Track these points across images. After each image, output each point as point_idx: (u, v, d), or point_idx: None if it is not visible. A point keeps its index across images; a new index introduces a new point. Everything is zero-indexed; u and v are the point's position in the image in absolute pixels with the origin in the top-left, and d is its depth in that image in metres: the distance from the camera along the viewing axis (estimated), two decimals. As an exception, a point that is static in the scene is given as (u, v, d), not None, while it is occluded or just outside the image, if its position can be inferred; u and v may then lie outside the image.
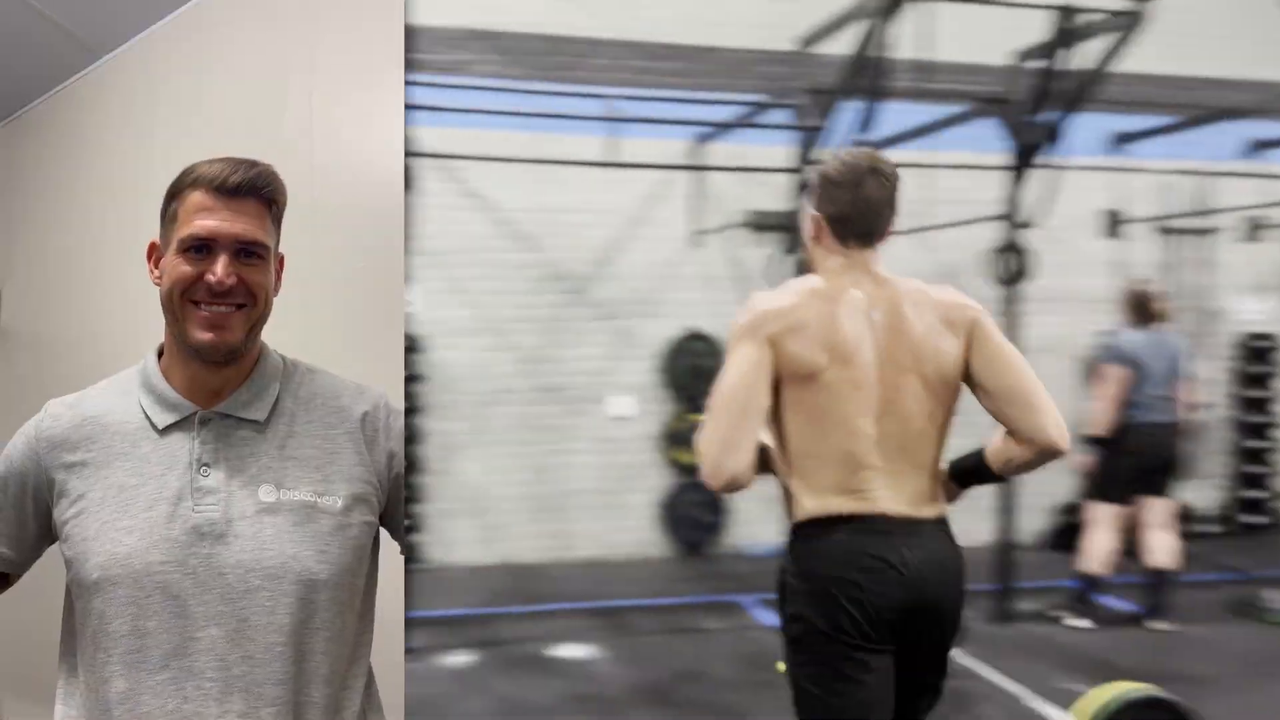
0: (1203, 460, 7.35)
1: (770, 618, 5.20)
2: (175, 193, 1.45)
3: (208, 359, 1.45)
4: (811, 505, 1.96)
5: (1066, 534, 6.17)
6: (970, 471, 2.07)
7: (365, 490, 1.51)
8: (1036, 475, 2.13)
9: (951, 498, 2.07)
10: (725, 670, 4.47)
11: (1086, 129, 6.96)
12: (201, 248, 1.40)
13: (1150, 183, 7.06)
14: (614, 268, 6.52)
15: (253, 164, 1.45)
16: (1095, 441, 5.06)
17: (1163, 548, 4.95)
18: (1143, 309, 4.99)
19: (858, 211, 2.00)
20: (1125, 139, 7.10)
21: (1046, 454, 1.95)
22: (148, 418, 1.47)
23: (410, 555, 5.95)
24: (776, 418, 1.98)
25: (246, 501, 1.43)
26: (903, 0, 4.19)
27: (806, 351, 1.92)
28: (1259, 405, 7.45)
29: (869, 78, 4.38)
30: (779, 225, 5.01)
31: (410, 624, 4.65)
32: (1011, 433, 1.96)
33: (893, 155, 2.11)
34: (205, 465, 1.44)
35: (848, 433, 1.93)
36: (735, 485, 1.92)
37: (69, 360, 4.11)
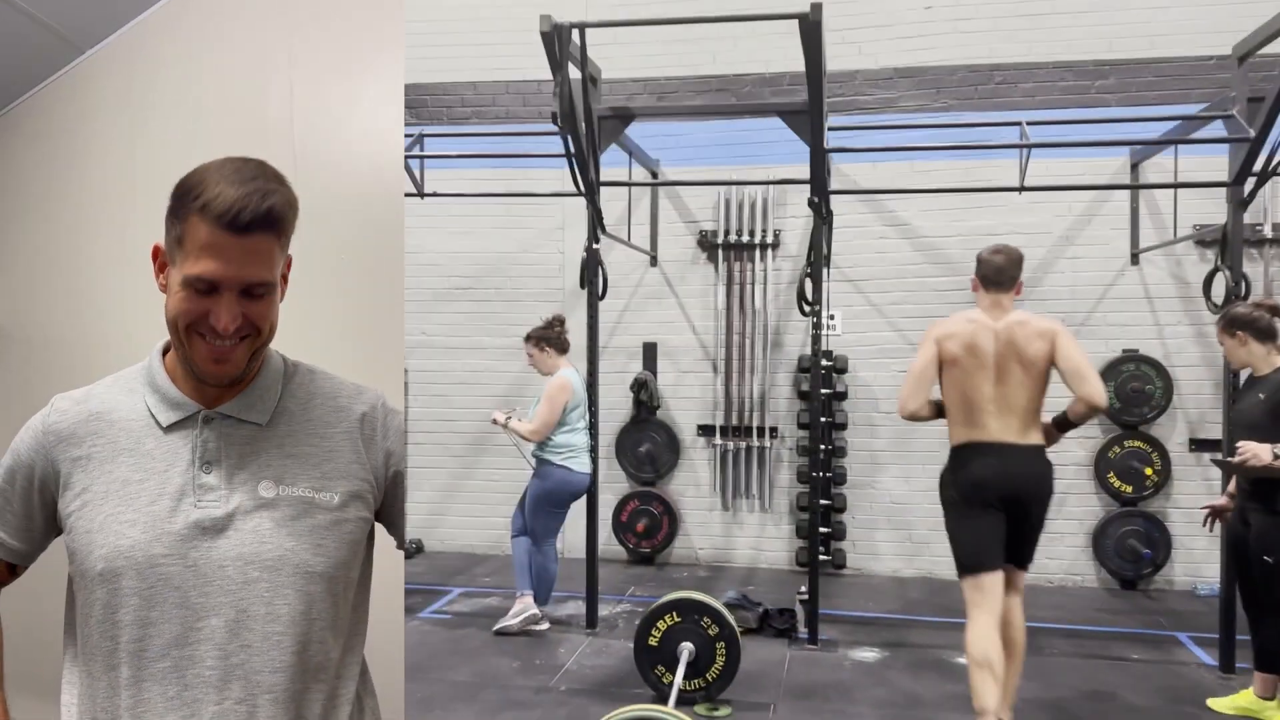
0: None
1: (1203, 654, 4.90)
2: (182, 209, 1.41)
3: (210, 383, 1.50)
4: (957, 435, 3.63)
5: None
6: (1060, 422, 3.61)
7: (361, 487, 1.57)
8: None
9: (1051, 439, 3.66)
10: (1132, 693, 4.36)
11: None
12: (207, 289, 1.40)
13: None
14: (1041, 288, 6.47)
15: (264, 194, 1.39)
16: None
17: None
18: None
19: (993, 273, 3.68)
20: None
21: (1093, 408, 3.49)
22: (152, 415, 1.51)
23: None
24: (942, 386, 3.64)
25: (247, 497, 1.47)
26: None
27: (954, 348, 3.58)
28: None
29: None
30: (1226, 240, 4.70)
31: (823, 619, 5.15)
32: (1075, 396, 3.49)
33: None
34: (207, 463, 1.48)
35: (974, 394, 3.54)
36: (914, 417, 3.72)
37: (57, 355, 4.19)
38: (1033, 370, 3.50)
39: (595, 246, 5.23)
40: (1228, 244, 4.79)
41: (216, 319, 1.39)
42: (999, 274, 3.66)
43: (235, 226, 1.36)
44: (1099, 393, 3.42)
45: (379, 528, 1.68)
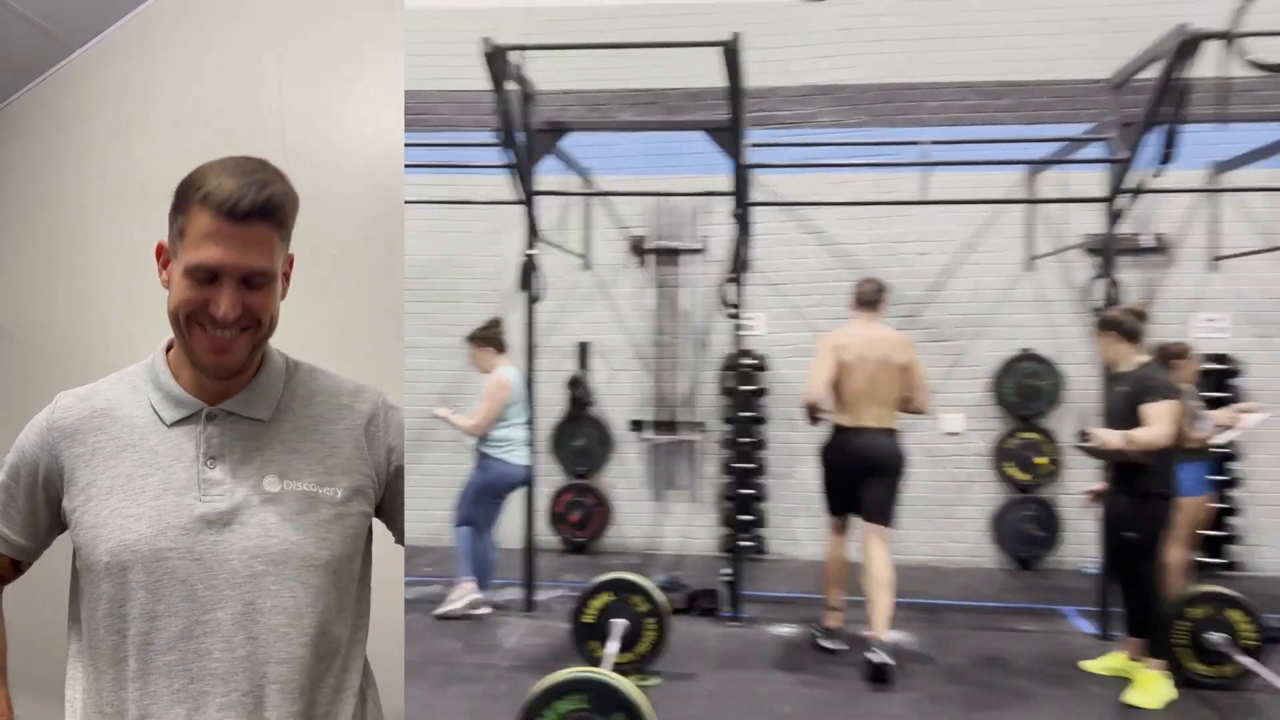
0: None
1: (1085, 625, 5.43)
2: (184, 202, 1.45)
3: (211, 376, 1.52)
4: (837, 419, 4.84)
5: None
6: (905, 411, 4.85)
7: (363, 483, 1.59)
8: None
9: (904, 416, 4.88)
10: (1020, 659, 4.84)
11: None
12: (208, 278, 1.42)
13: None
14: (947, 292, 6.97)
15: (263, 184, 1.43)
16: None
17: None
18: None
19: (866, 297, 4.92)
20: None
21: (920, 410, 4.91)
22: (156, 412, 1.53)
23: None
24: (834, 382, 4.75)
25: (252, 492, 1.49)
26: (1200, 40, 4.36)
27: (844, 355, 4.73)
28: None
29: (1171, 109, 4.57)
30: (1108, 249, 5.21)
31: (746, 599, 5.55)
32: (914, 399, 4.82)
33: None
34: (211, 459, 1.50)
35: (854, 389, 4.71)
36: (815, 406, 4.71)
37: (56, 355, 4.21)
38: (895, 374, 4.76)
39: (532, 252, 5.54)
40: (1104, 253, 5.31)
41: (216, 307, 1.41)
42: (869, 298, 4.96)
43: (234, 215, 1.39)
44: (928, 404, 5.02)
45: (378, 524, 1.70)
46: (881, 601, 4.62)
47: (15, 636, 1.76)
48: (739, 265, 5.56)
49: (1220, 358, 6.61)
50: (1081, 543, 6.78)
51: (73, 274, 4.18)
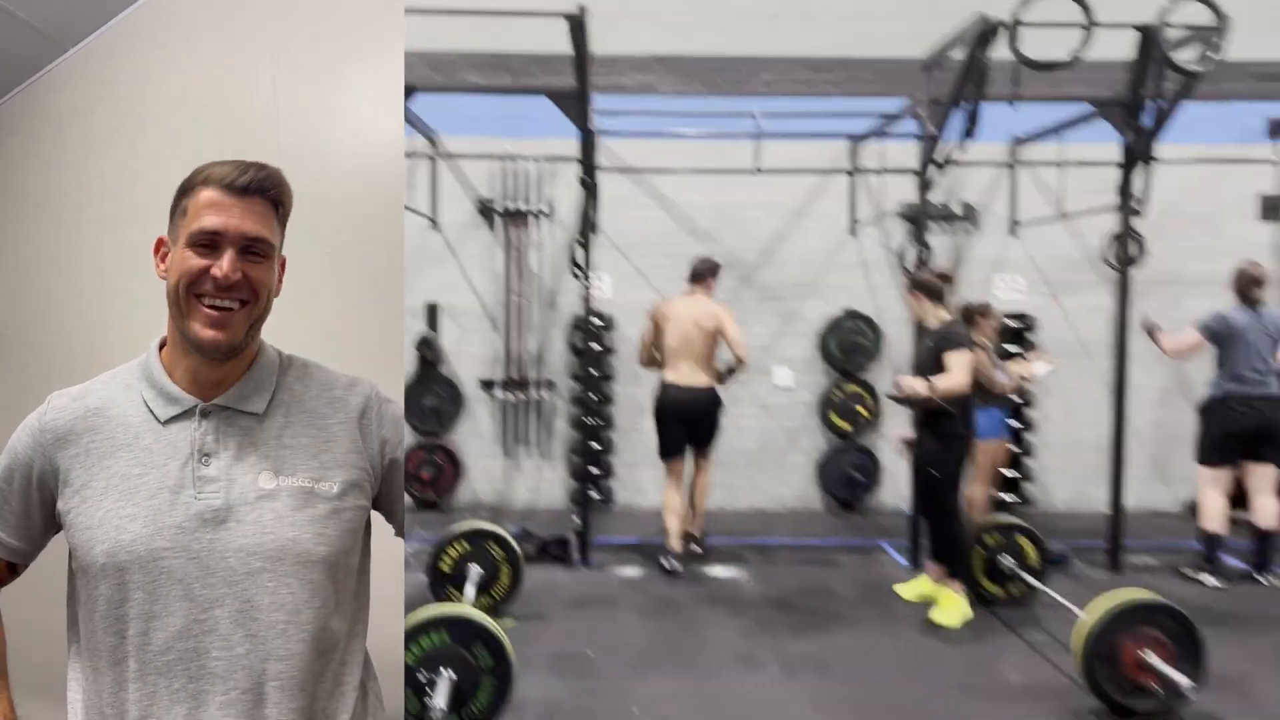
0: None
1: (899, 557, 5.99)
2: (185, 190, 1.49)
3: (209, 355, 1.49)
4: (664, 376, 5.68)
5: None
6: (725, 373, 5.75)
7: (359, 476, 1.58)
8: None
9: (722, 380, 5.73)
10: (842, 588, 5.35)
11: (1248, 116, 7.23)
12: (209, 243, 1.44)
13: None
14: (778, 255, 7.41)
15: (261, 166, 1.49)
16: (1200, 411, 5.50)
17: (1264, 510, 5.32)
18: (1244, 287, 5.36)
19: (694, 273, 5.77)
20: (1283, 125, 7.22)
21: (742, 364, 5.68)
22: (150, 410, 1.51)
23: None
24: (657, 344, 5.69)
25: (248, 488, 1.48)
26: (996, 28, 4.84)
27: (663, 320, 5.66)
28: None
29: (973, 89, 5.06)
30: (920, 217, 5.71)
31: (595, 547, 5.84)
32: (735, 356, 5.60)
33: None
34: (206, 455, 1.48)
35: (672, 349, 5.58)
36: (648, 365, 5.91)
37: (49, 352, 4.20)
38: (710, 336, 5.64)
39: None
40: (916, 220, 5.81)
41: (219, 269, 1.42)
42: (697, 274, 5.84)
43: (235, 188, 1.45)
44: (744, 351, 5.70)
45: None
46: (699, 507, 6.07)
47: (14, 639, 1.73)
48: (587, 228, 5.78)
49: (1017, 316, 7.32)
50: (897, 485, 7.40)
51: (71, 274, 4.09)
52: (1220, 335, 5.35)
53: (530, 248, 7.45)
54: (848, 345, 7.34)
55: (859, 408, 7.36)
